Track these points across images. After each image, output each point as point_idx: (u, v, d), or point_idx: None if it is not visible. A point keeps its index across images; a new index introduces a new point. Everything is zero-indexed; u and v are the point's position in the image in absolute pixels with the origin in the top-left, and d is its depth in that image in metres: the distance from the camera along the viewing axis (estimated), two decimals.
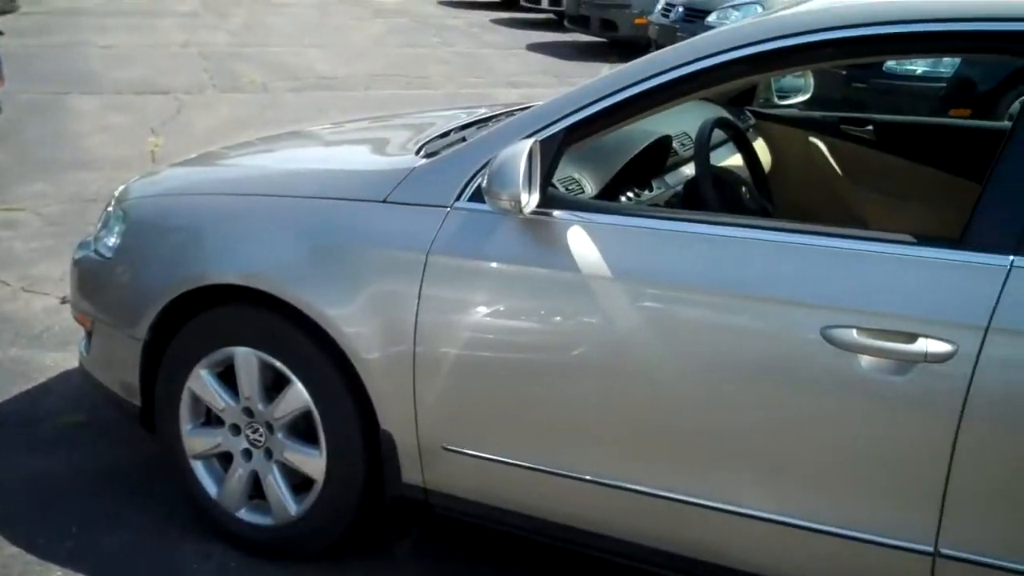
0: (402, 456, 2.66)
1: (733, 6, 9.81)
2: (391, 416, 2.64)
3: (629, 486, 2.42)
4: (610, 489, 2.45)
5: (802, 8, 2.49)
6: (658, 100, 2.46)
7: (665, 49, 2.51)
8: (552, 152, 2.45)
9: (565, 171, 2.76)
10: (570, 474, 2.49)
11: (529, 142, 2.37)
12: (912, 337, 2.08)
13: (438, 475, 2.67)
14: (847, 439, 2.18)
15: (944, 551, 2.13)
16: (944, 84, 6.66)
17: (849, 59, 2.64)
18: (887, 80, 6.88)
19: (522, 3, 16.40)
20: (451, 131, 3.13)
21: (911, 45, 2.39)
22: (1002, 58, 3.06)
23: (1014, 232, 2.05)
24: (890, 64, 6.80)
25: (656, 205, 3.03)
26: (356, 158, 3.30)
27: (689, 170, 3.21)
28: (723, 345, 2.28)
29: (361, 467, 2.74)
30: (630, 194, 3.03)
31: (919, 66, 6.85)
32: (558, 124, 2.47)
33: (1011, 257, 2.04)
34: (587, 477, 2.47)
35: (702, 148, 2.97)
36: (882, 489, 2.17)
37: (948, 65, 6.76)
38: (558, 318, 2.45)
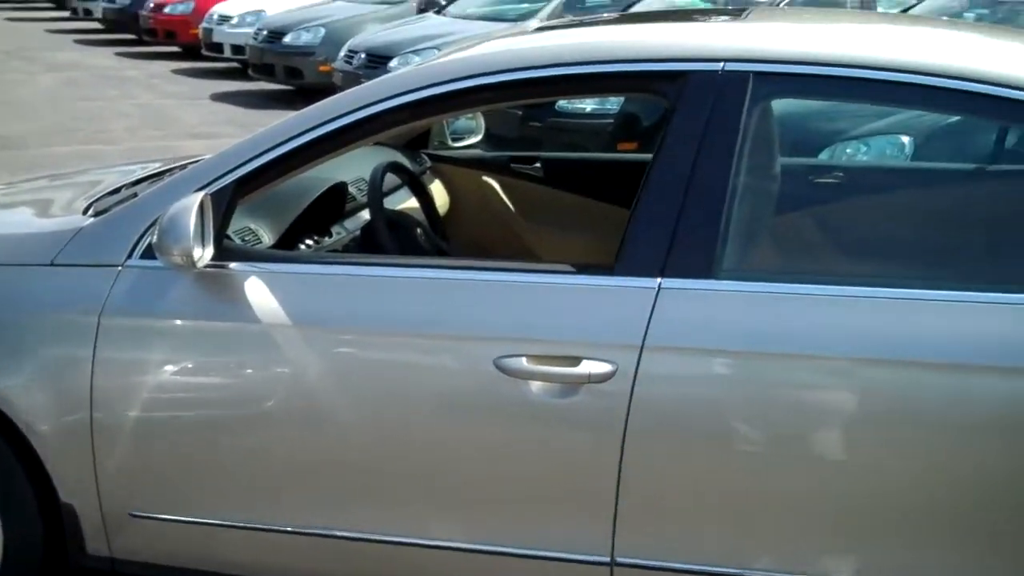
0: (85, 527, 2.55)
1: (413, 51, 10.00)
2: (71, 487, 2.53)
3: (330, 532, 2.43)
4: (312, 538, 2.45)
5: (458, 55, 2.61)
6: (327, 148, 2.50)
7: (332, 97, 2.56)
8: (224, 204, 2.44)
9: (241, 222, 2.75)
10: (269, 527, 2.47)
11: (199, 195, 2.35)
12: (576, 360, 2.20)
13: (126, 543, 2.57)
14: (527, 463, 2.28)
15: (620, 560, 2.26)
16: (611, 120, 7.03)
17: (506, 101, 2.80)
18: (560, 119, 7.19)
19: (204, 52, 16.03)
20: (123, 187, 3.05)
21: (564, 87, 2.58)
22: (647, 96, 3.31)
23: (658, 256, 2.21)
24: (562, 103, 7.12)
25: (335, 251, 3.07)
26: (21, 220, 3.14)
27: (368, 215, 3.27)
28: (405, 384, 2.34)
29: (40, 543, 2.60)
30: (309, 241, 3.05)
31: (588, 104, 7.22)
32: (229, 176, 2.47)
33: (658, 280, 2.20)
34: (288, 528, 2.46)
35: (374, 192, 3.04)
36: (561, 507, 2.29)
37: (614, 103, 7.14)
38: (243, 371, 2.44)
